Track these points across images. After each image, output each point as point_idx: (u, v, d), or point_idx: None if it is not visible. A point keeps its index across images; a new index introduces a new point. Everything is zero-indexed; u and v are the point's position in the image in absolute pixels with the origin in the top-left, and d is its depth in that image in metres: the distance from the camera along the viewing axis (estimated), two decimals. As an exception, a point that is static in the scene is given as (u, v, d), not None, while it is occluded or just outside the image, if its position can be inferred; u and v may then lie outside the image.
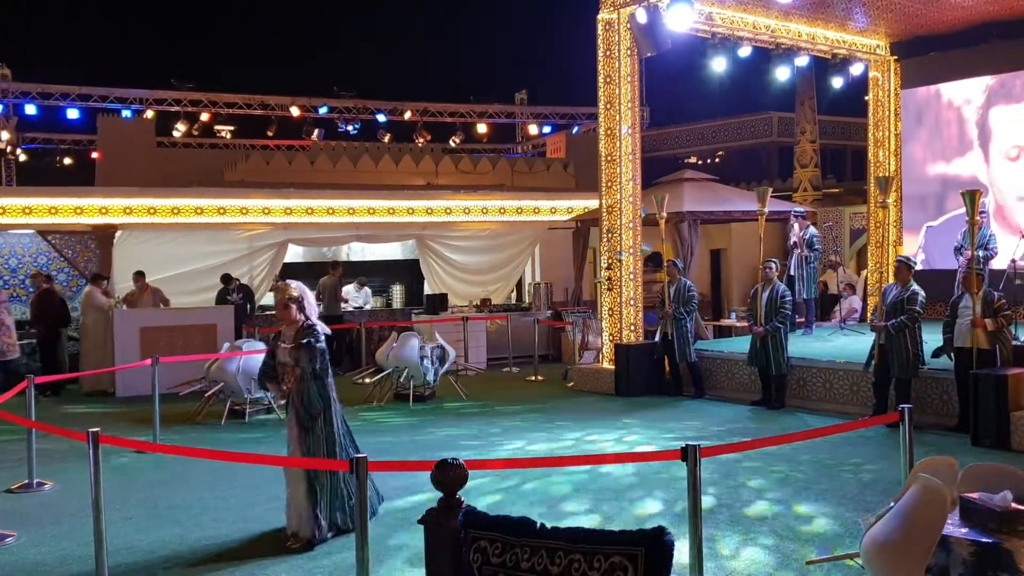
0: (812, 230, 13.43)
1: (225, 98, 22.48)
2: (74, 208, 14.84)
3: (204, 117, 22.49)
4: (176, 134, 23.00)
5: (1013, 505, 3.72)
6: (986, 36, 13.49)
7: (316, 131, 22.82)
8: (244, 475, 7.79)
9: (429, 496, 3.89)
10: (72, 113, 21.61)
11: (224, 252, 15.73)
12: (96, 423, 6.50)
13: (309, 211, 16.19)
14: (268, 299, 16.52)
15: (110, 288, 13.97)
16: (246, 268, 15.80)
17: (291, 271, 16.94)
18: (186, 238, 15.58)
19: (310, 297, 6.21)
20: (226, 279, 14.64)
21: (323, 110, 22.66)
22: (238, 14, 40.88)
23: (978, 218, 9.49)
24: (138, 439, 8.08)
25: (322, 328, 6.09)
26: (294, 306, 6.03)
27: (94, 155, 22.94)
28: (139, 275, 13.78)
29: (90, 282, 13.72)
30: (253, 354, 10.87)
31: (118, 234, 15.17)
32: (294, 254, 16.96)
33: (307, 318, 6.08)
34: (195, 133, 23.21)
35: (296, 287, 6.14)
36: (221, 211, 15.73)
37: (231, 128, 26.58)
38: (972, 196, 9.25)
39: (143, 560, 5.83)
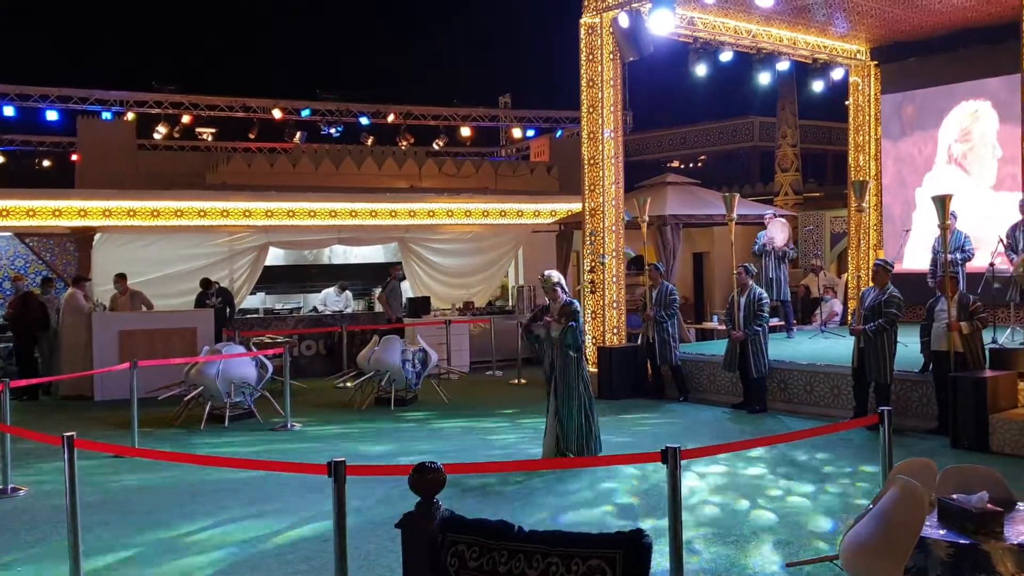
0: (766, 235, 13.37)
1: (206, 100, 22.34)
2: (53, 210, 14.70)
3: (185, 119, 22.34)
4: (157, 136, 22.84)
5: (989, 506, 3.73)
6: (965, 41, 13.59)
7: (298, 134, 22.69)
8: (223, 480, 7.73)
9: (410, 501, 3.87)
10: (51, 115, 21.41)
11: (205, 255, 15.62)
12: (73, 427, 6.42)
13: (290, 214, 16.11)
14: (249, 302, 16.44)
15: (89, 291, 13.85)
16: (226, 271, 15.71)
17: (271, 274, 16.87)
18: (166, 241, 15.47)
19: (563, 282, 8.26)
20: (205, 283, 14.55)
21: (305, 113, 22.54)
22: (220, 16, 40.71)
23: (949, 222, 9.56)
24: (116, 443, 8.01)
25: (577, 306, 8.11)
26: (558, 288, 8.16)
27: (73, 157, 22.74)
28: (120, 277, 13.66)
29: (71, 284, 13.59)
30: (233, 358, 10.81)
31: (97, 236, 15.04)
32: (275, 257, 16.87)
33: (567, 297, 8.20)
34: (176, 135, 23.03)
35: (555, 275, 8.20)
36: (202, 214, 15.63)
37: (212, 130, 26.42)
38: (942, 201, 9.32)
39: (120, 566, 5.76)
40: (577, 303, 8.23)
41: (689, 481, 7.29)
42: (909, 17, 13.09)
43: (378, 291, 16.43)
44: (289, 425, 10.37)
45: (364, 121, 23.15)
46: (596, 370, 12.15)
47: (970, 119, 14.23)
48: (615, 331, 12.49)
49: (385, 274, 15.77)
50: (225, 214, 15.80)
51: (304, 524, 6.52)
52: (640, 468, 7.71)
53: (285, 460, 8.06)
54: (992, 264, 11.38)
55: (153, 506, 7.11)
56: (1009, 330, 10.94)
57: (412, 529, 3.86)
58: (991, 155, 14.06)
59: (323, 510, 6.43)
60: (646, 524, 6.24)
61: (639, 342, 12.25)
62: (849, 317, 13.67)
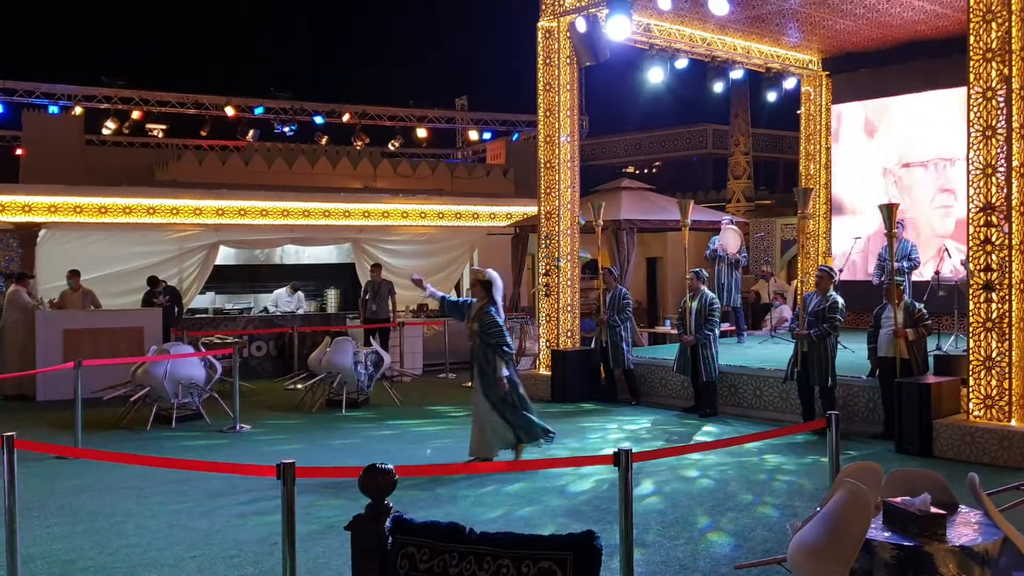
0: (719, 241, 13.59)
1: (157, 96, 21.95)
2: (-5, 205, 14.33)
3: (135, 115, 21.91)
4: (106, 132, 22.37)
5: (932, 509, 3.80)
6: (915, 54, 13.90)
7: (251, 132, 22.39)
8: (169, 481, 7.58)
9: (360, 503, 3.83)
10: (-5, 108, 20.89)
11: (153, 253, 15.33)
12: (14, 427, 6.24)
13: (242, 212, 15.89)
14: (198, 302, 16.18)
15: (33, 289, 13.51)
16: (175, 270, 15.44)
17: (222, 274, 16.63)
18: (113, 238, 15.15)
19: (495, 281, 8.12)
20: (152, 281, 14.28)
21: (259, 111, 22.26)
22: (172, 10, 40.08)
23: (895, 230, 9.76)
24: (58, 444, 7.82)
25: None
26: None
27: (18, 152, 22.19)
28: (73, 274, 13.36)
29: (15, 282, 13.23)
30: (181, 358, 10.63)
31: (42, 233, 14.68)
32: (226, 256, 16.62)
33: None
34: (126, 131, 22.60)
35: (487, 273, 8.13)
36: (151, 211, 15.35)
37: (163, 127, 25.95)
38: (889, 209, 9.50)
39: (60, 570, 5.61)
40: (495, 309, 8.01)
41: (640, 484, 7.32)
42: (860, 29, 13.36)
43: (328, 292, 16.32)
44: (238, 427, 10.22)
45: (318, 120, 22.95)
46: (550, 373, 12.17)
47: (919, 129, 14.58)
48: (569, 334, 12.53)
49: (335, 274, 15.60)
50: (175, 212, 15.54)
51: (252, 526, 6.42)
52: (592, 471, 7.73)
53: (233, 462, 7.95)
54: (937, 272, 11.65)
55: (97, 508, 6.94)
56: (953, 337, 11.21)
57: (362, 531, 3.81)
58: (939, 166, 14.47)
59: (272, 512, 6.34)
60: (597, 526, 6.26)
61: (592, 346, 12.30)
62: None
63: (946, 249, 12.14)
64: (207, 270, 15.81)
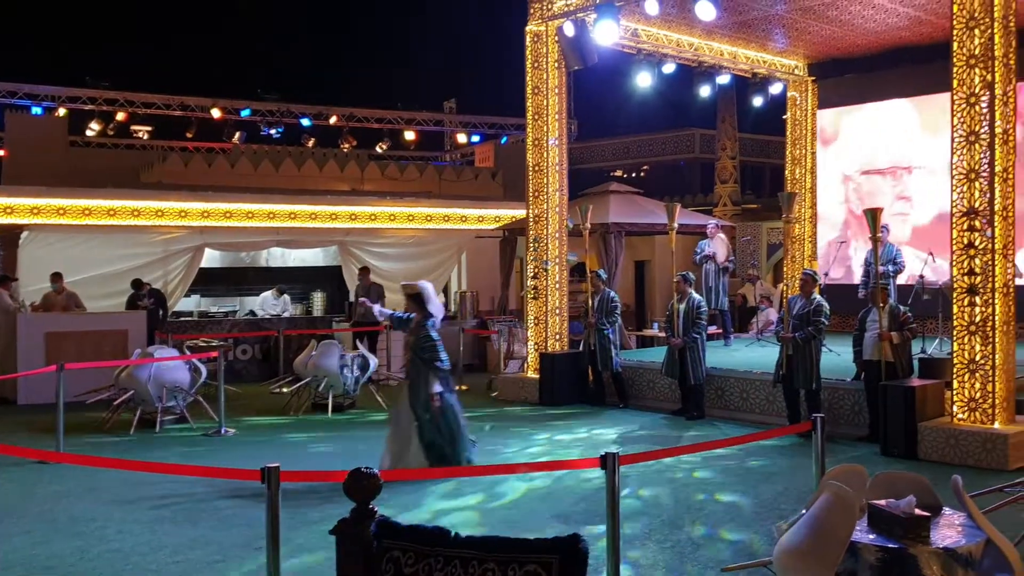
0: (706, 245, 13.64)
1: (143, 98, 21.83)
2: (-24, 207, 14.23)
3: (120, 116, 21.77)
4: (90, 133, 22.22)
5: (917, 511, 3.81)
6: (899, 60, 13.99)
7: (237, 134, 22.26)
8: (153, 486, 7.52)
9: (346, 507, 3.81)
10: (-24, 109, 20.75)
11: (137, 255, 15.24)
12: (-7, 431, 6.19)
13: (228, 214, 15.82)
14: (183, 305, 16.09)
15: (15, 291, 13.40)
16: (160, 272, 15.35)
17: (207, 276, 16.54)
18: (98, 240, 15.05)
19: (428, 293, 7.97)
20: (137, 284, 14.19)
21: (245, 113, 22.16)
22: (160, 13, 39.90)
23: (880, 234, 9.81)
24: (39, 448, 7.75)
25: None
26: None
27: (1, 153, 22.01)
28: (56, 276, 13.26)
29: (-3, 284, 13.13)
30: (165, 361, 10.56)
31: (24, 235, 14.57)
32: (211, 258, 16.54)
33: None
34: (110, 133, 22.45)
35: (418, 285, 8.03)
36: (135, 213, 15.26)
37: (148, 128, 25.82)
38: (874, 214, 9.55)
39: None
40: (431, 323, 7.84)
41: (627, 487, 7.32)
42: (845, 36, 13.43)
43: (315, 295, 16.27)
44: (223, 431, 10.16)
45: (305, 122, 22.87)
46: (538, 376, 12.17)
47: (905, 135, 14.71)
48: (557, 337, 12.53)
49: (321, 277, 15.54)
50: (160, 214, 15.45)
51: (236, 531, 6.38)
52: (579, 474, 7.72)
53: (218, 466, 7.91)
54: (922, 276, 11.71)
55: (78, 513, 6.88)
56: (937, 340, 11.27)
57: (347, 535, 3.78)
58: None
59: (256, 516, 6.30)
60: (584, 530, 6.25)
61: (580, 349, 12.30)
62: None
63: (931, 253, 12.20)
64: (192, 272, 15.72)
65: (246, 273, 17.56)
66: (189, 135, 22.44)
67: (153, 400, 10.37)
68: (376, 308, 8.29)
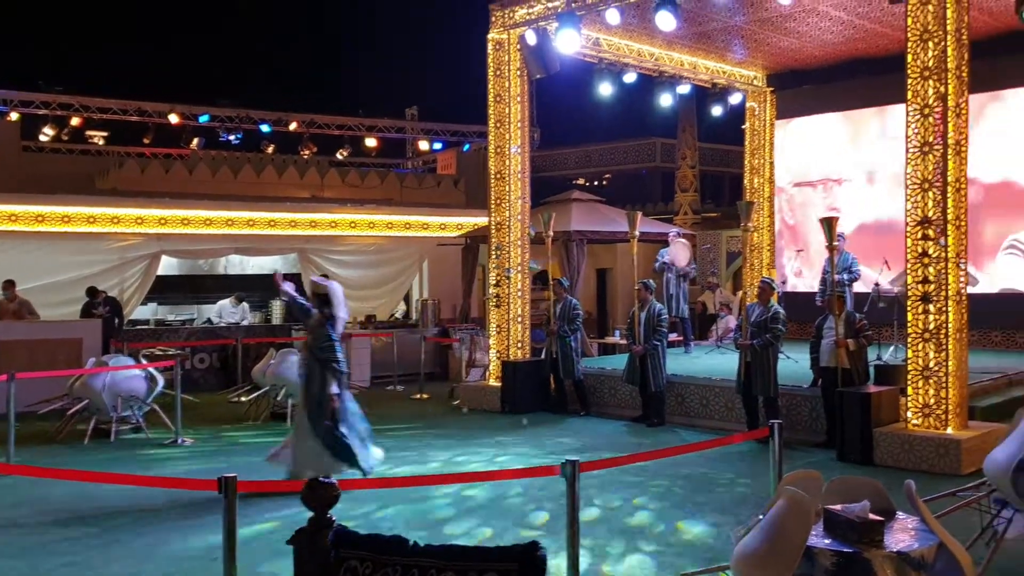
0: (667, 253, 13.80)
1: (98, 102, 21.45)
2: (-76, 213, 13.89)
3: (75, 121, 21.39)
4: (44, 138, 21.81)
5: (871, 516, 3.86)
6: (856, 72, 14.24)
7: (196, 140, 22.00)
8: (109, 496, 7.38)
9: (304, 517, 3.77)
10: (-75, 112, 20.27)
11: (93, 263, 14.99)
12: (-60, 442, 6.04)
13: (185, 221, 15.62)
14: (139, 313, 15.84)
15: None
16: (116, 280, 15.10)
17: (164, 284, 16.32)
18: (51, 247, 14.77)
19: (336, 294, 7.69)
20: (92, 292, 13.94)
21: (204, 118, 21.90)
22: (116, 17, 39.32)
23: (836, 243, 9.96)
24: (-11, 459, 7.58)
25: None
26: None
27: (-48, 157, 21.50)
28: (9, 284, 12.98)
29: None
30: (120, 370, 10.38)
31: (-26, 242, 14.26)
32: (168, 266, 16.32)
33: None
34: (65, 138, 22.06)
35: (324, 285, 7.78)
36: (91, 220, 15.01)
37: (104, 134, 25.39)
38: (830, 222, 9.69)
39: (-12, 590, 5.43)
40: (332, 324, 7.64)
41: (587, 494, 7.33)
42: (803, 47, 13.64)
43: (274, 303, 16.10)
44: (179, 440, 10.02)
45: (265, 129, 22.65)
46: (500, 384, 12.15)
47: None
48: (519, 345, 12.53)
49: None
50: (116, 220, 15.22)
51: (193, 542, 6.28)
52: (539, 481, 7.71)
53: (174, 476, 7.80)
54: (877, 284, 11.91)
55: (30, 526, 6.73)
56: (892, 347, 11.46)
57: (304, 545, 3.75)
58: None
59: (213, 527, 6.20)
60: (543, 537, 6.24)
61: (543, 356, 12.31)
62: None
63: (886, 261, 12.40)
64: (149, 280, 15.50)
65: (204, 281, 17.35)
66: (146, 141, 22.11)
67: (108, 410, 10.20)
68: (284, 286, 7.94)
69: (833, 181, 15.24)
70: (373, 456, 7.78)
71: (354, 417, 7.76)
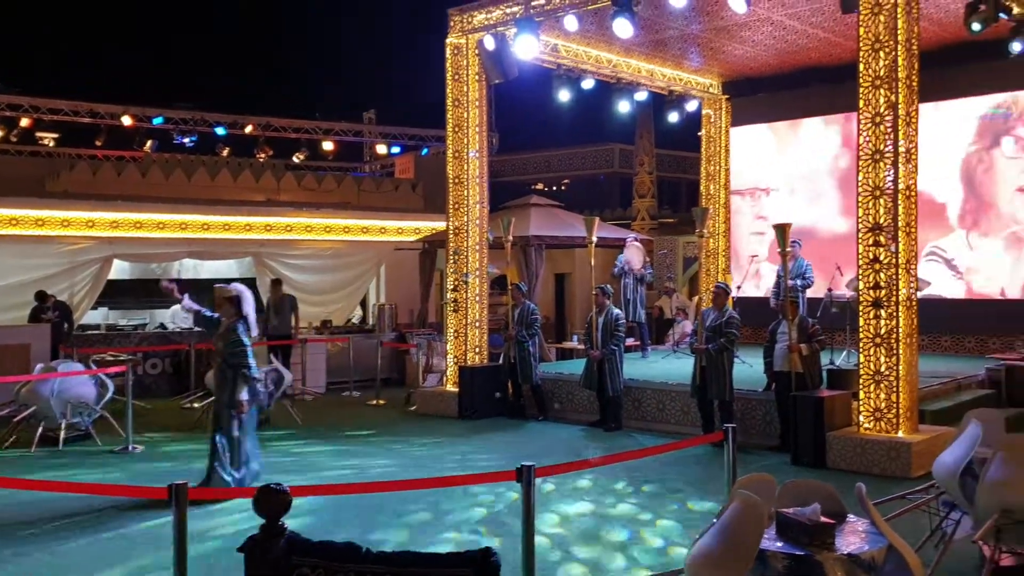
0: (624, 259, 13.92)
1: (48, 103, 20.98)
2: None
3: (24, 123, 20.91)
4: (-9, 139, 21.31)
5: (823, 519, 3.90)
6: (808, 81, 14.46)
7: (149, 142, 21.61)
8: (57, 505, 7.20)
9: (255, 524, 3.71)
10: None
11: (42, 266, 14.67)
12: None
13: (138, 225, 15.36)
14: (90, 317, 15.53)
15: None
16: (66, 284, 14.79)
17: (116, 288, 16.02)
18: (-1, 250, 14.43)
19: (244, 296, 7.70)
20: (41, 296, 13.63)
21: (158, 121, 21.53)
22: (70, 17, 38.59)
23: (789, 249, 10.10)
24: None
25: None
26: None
27: None
28: None
29: None
30: (69, 376, 10.17)
31: (-80, 244, 13.88)
32: (120, 270, 16.02)
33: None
34: (13, 139, 21.56)
35: (232, 289, 7.74)
36: (40, 223, 14.69)
37: (55, 135, 24.89)
38: (783, 229, 9.82)
39: (-73, 603, 5.27)
40: (243, 327, 7.61)
41: (543, 499, 7.33)
42: (758, 55, 13.81)
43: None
44: (131, 447, 9.83)
45: (220, 131, 22.34)
46: (457, 390, 12.11)
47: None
48: (477, 350, 12.50)
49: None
50: (66, 224, 14.92)
51: (143, 550, 6.16)
52: (494, 487, 7.70)
53: (124, 484, 7.65)
54: (830, 289, 12.10)
55: (-29, 536, 6.55)
56: (845, 352, 11.64)
57: (255, 553, 3.69)
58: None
59: (163, 535, 6.09)
60: (498, 543, 6.22)
61: (500, 361, 12.29)
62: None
63: (839, 267, 12.60)
64: (100, 284, 15.20)
65: (157, 285, 17.05)
66: (98, 143, 21.67)
67: (56, 416, 9.99)
68: (186, 300, 7.81)
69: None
70: (253, 471, 7.78)
71: (249, 428, 7.79)
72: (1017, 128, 13.16)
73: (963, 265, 13.51)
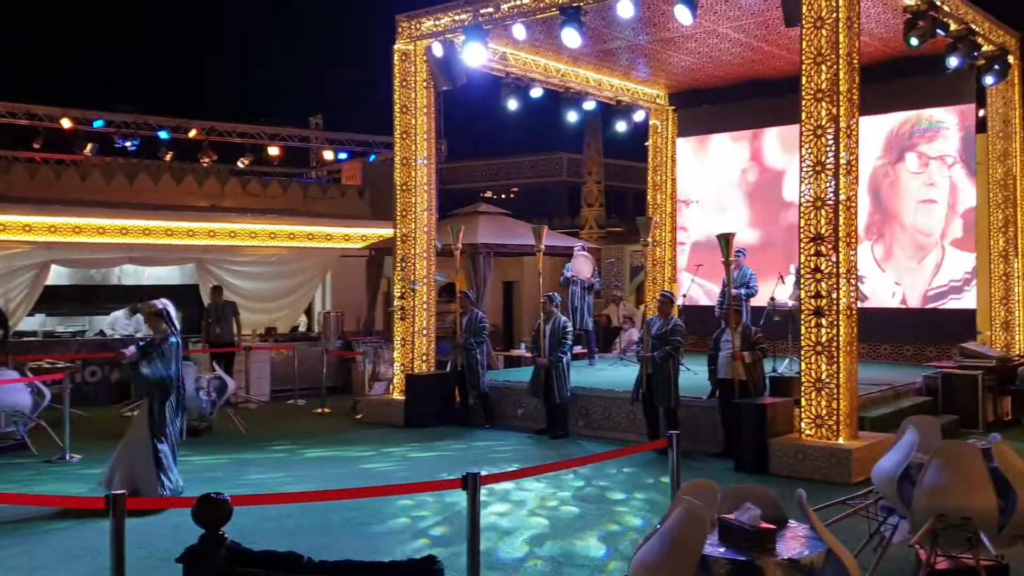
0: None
1: (-16, 104, 20.43)
2: None
3: (-42, 124, 20.28)
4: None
5: (763, 524, 3.95)
6: (750, 93, 14.73)
7: (89, 145, 21.07)
8: (-16, 518, 6.99)
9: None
10: None
11: (-25, 272, 14.20)
12: None
13: (77, 230, 14.98)
14: (26, 324, 15.10)
15: None
16: (1, 290, 14.34)
17: (54, 294, 15.60)
18: (-70, 255, 13.94)
19: (169, 311, 7.86)
20: (-26, 302, 13.24)
21: (98, 124, 21.01)
22: (2, 17, 37.59)
23: (733, 258, 10.25)
24: None
25: None
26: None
27: None
28: None
29: None
30: (4, 384, 9.87)
31: None
32: (58, 276, 15.60)
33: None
34: (-54, 141, 20.93)
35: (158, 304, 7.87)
36: (-27, 227, 14.23)
37: (-9, 138, 24.19)
38: (727, 238, 9.98)
39: None
40: (172, 340, 7.85)
41: (488, 506, 7.31)
42: (703, 67, 14.03)
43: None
44: (68, 457, 9.58)
45: (163, 135, 21.91)
46: (403, 398, 12.03)
47: (755, 163, 15.51)
48: (424, 358, 12.44)
49: (178, 296, 14.84)
50: (2, 228, 14.47)
51: (80, 562, 6.00)
52: (440, 494, 7.66)
53: (60, 494, 7.45)
54: (773, 298, 12.30)
55: None
56: (787, 360, 11.83)
57: (195, 563, 3.62)
58: (777, 197, 15.48)
59: (100, 547, 5.94)
60: (443, 551, 6.19)
61: (448, 369, 12.25)
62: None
63: (781, 276, 12.82)
64: (37, 290, 14.77)
65: (97, 291, 16.66)
66: (36, 145, 21.08)
67: (-11, 426, 9.68)
68: (127, 352, 7.96)
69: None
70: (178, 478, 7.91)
71: (175, 437, 7.95)
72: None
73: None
